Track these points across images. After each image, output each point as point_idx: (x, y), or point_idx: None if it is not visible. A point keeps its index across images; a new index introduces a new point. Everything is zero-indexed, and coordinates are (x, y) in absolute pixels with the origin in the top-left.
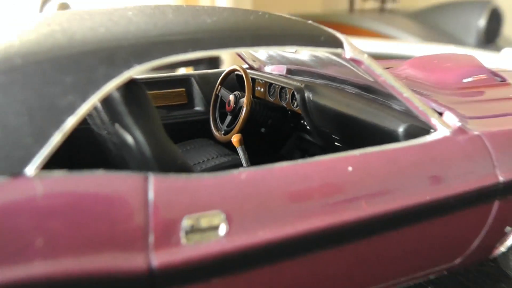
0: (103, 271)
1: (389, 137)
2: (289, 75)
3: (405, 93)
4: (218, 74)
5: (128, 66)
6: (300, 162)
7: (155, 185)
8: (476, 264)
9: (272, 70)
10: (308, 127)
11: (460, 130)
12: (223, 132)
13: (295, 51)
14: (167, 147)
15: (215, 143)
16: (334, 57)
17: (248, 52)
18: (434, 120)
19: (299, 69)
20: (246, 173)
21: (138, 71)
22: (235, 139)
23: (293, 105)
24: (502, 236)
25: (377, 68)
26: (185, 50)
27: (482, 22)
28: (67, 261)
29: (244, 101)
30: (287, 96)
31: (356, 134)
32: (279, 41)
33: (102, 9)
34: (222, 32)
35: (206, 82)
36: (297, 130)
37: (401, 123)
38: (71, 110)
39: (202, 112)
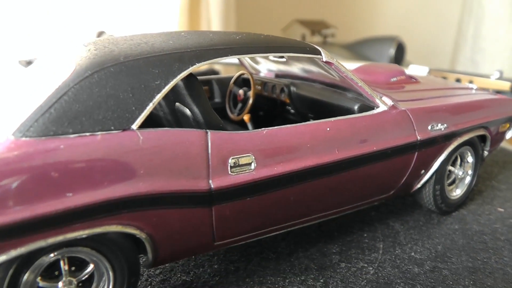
0: (182, 190)
1: (348, 112)
2: (276, 78)
3: (359, 83)
4: (229, 78)
5: (192, 63)
6: (298, 124)
7: (211, 137)
8: (401, 197)
9: (265, 75)
10: (291, 110)
11: (393, 107)
12: (236, 114)
13: (285, 59)
14: (212, 115)
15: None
16: (303, 66)
17: (249, 63)
18: (377, 100)
19: (282, 74)
20: (266, 130)
21: (197, 67)
22: (246, 117)
23: (281, 96)
24: (419, 177)
25: (342, 67)
26: (226, 55)
27: (392, 51)
28: (159, 183)
29: (250, 93)
30: (277, 91)
31: (325, 112)
32: (282, 50)
33: (161, 32)
34: (246, 44)
35: (221, 83)
36: (283, 112)
37: (355, 103)
38: (158, 90)
39: (219, 103)
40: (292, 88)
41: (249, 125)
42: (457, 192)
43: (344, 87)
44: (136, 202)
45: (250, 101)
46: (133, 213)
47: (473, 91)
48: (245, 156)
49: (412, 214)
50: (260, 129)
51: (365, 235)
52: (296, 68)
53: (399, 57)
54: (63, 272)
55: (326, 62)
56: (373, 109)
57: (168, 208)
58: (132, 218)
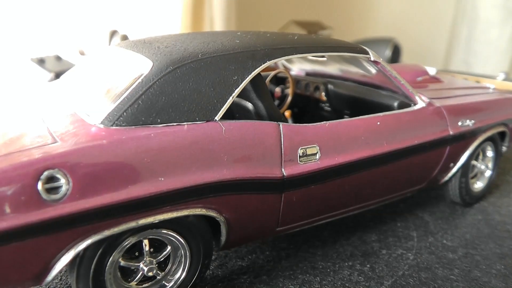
0: (259, 176)
1: (388, 109)
2: (308, 76)
3: (402, 81)
4: (265, 76)
5: (263, 61)
6: (353, 118)
7: (283, 129)
8: (431, 188)
9: (297, 74)
10: (327, 108)
11: (430, 104)
12: None
13: (326, 58)
14: (275, 110)
15: None
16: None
17: (282, 62)
18: (417, 97)
19: (314, 73)
20: (328, 123)
21: (267, 65)
22: (287, 113)
23: (315, 94)
24: (448, 170)
25: (387, 66)
26: (292, 54)
27: (388, 52)
28: (240, 170)
29: (289, 91)
30: (311, 89)
31: (364, 109)
32: (336, 50)
33: (214, 31)
34: (307, 44)
35: None
36: (318, 110)
37: (394, 100)
38: (236, 85)
39: None
40: (330, 86)
41: (290, 121)
42: (479, 185)
43: (377, 85)
44: (220, 187)
45: (289, 98)
46: (215, 197)
47: (491, 90)
48: (312, 147)
49: (438, 206)
50: (322, 122)
51: (398, 224)
52: (327, 68)
53: (395, 58)
54: (145, 253)
55: (373, 61)
56: (410, 106)
57: (245, 194)
58: (214, 202)
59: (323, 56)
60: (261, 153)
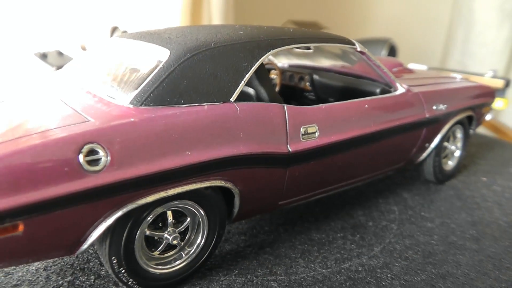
0: (269, 152)
1: (371, 95)
2: (293, 68)
3: (384, 69)
4: None
5: (267, 50)
6: (345, 102)
7: (287, 110)
8: (407, 168)
9: (282, 65)
10: (311, 97)
11: (409, 90)
12: None
13: (312, 49)
14: (275, 94)
15: None
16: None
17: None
18: (397, 84)
19: (296, 65)
20: (324, 106)
21: (271, 53)
22: None
23: (300, 84)
24: (424, 150)
25: (371, 56)
26: (291, 44)
27: (384, 53)
28: (253, 145)
29: (277, 81)
30: (295, 79)
31: (347, 96)
32: (328, 41)
33: (217, 24)
34: (303, 35)
35: None
36: (302, 98)
37: (376, 87)
38: (246, 70)
39: None
40: (315, 76)
41: None
42: (450, 165)
43: (357, 75)
44: (236, 161)
45: (277, 88)
46: (232, 170)
47: (458, 79)
48: (311, 126)
49: (413, 184)
50: (320, 105)
51: (380, 201)
52: (308, 61)
53: None
54: (169, 223)
55: (359, 51)
56: (391, 92)
57: (257, 167)
58: (231, 175)
59: (309, 48)
60: (270, 131)
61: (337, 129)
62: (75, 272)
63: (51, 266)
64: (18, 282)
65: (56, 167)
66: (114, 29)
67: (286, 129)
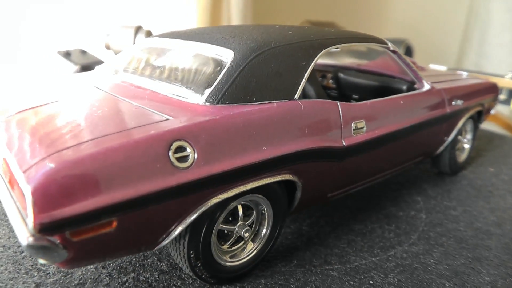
0: (329, 146)
1: (398, 92)
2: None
3: (413, 67)
4: None
5: (320, 49)
6: (384, 98)
7: (341, 106)
8: (425, 160)
9: None
10: (333, 94)
11: (433, 87)
12: None
13: (339, 49)
14: (322, 92)
15: None
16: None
17: None
18: (424, 81)
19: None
20: (369, 102)
21: (324, 53)
22: None
23: (322, 82)
24: (443, 143)
25: (402, 54)
26: (338, 43)
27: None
28: (317, 141)
29: None
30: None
31: (374, 93)
32: (366, 40)
33: (261, 24)
34: (344, 36)
35: None
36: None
37: (403, 84)
38: (305, 69)
39: None
40: (340, 74)
41: None
42: (462, 156)
43: (379, 73)
44: (303, 155)
45: None
46: (299, 164)
47: (465, 76)
48: (360, 121)
49: (429, 176)
50: (364, 101)
51: (404, 192)
52: (329, 59)
53: None
54: (240, 217)
55: (392, 50)
56: (415, 88)
57: (318, 161)
58: (296, 169)
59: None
60: (329, 127)
61: (380, 124)
62: (136, 269)
63: (109, 264)
64: (81, 281)
65: (149, 163)
66: (138, 29)
67: (341, 125)
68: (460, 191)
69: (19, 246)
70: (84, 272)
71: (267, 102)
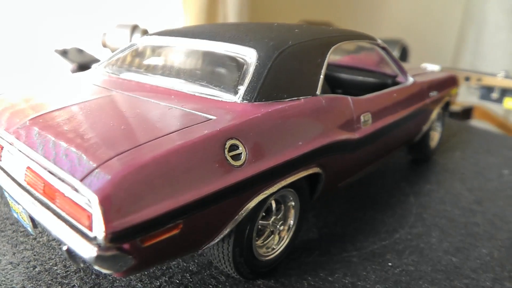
0: (347, 138)
1: (384, 86)
2: None
3: (399, 62)
4: None
5: (329, 47)
6: (382, 92)
7: (352, 100)
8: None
9: None
10: None
11: (415, 80)
12: None
13: None
14: (327, 88)
15: None
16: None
17: None
18: (408, 76)
19: None
20: (372, 96)
21: (333, 50)
22: None
23: None
24: (421, 131)
25: (389, 51)
26: (342, 40)
27: (396, 53)
28: (338, 134)
29: None
30: None
31: (361, 88)
32: (361, 37)
33: (264, 22)
34: (344, 33)
35: None
36: None
37: (387, 79)
38: (321, 65)
39: None
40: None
41: None
42: (433, 143)
43: (363, 68)
44: (328, 148)
45: None
46: (325, 158)
47: (437, 70)
48: (367, 114)
49: (403, 164)
50: (368, 95)
51: (389, 179)
52: None
53: (403, 58)
54: (273, 211)
55: (381, 46)
56: (398, 82)
57: (337, 154)
58: (322, 162)
59: None
60: (346, 120)
61: (381, 116)
62: (165, 272)
63: None
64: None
65: (208, 163)
66: (134, 28)
67: (353, 117)
68: (437, 174)
69: (29, 261)
70: (111, 280)
71: (295, 98)
